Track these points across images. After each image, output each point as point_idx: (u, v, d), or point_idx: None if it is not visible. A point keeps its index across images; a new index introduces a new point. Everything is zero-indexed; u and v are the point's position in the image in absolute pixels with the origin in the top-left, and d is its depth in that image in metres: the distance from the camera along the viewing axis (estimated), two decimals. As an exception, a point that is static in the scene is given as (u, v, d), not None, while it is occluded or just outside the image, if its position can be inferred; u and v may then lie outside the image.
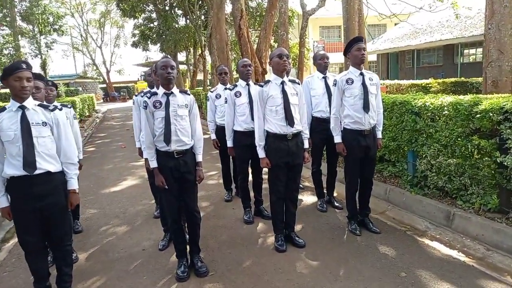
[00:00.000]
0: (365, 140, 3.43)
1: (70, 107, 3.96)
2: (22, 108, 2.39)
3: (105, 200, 5.24)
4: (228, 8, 13.63)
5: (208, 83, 22.35)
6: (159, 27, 23.59)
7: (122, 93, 37.55)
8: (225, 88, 4.59)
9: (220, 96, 4.66)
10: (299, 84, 3.31)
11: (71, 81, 36.39)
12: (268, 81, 3.24)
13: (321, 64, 4.16)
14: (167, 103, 2.80)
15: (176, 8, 23.12)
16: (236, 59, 21.65)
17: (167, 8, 23.15)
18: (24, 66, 2.35)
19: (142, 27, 24.87)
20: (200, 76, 26.77)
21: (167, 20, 21.82)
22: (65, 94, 28.19)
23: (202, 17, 21.25)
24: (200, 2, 20.32)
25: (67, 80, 36.04)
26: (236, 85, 3.99)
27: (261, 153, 3.26)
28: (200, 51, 22.35)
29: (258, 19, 17.62)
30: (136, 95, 4.09)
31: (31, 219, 2.43)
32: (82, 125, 15.40)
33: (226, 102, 4.03)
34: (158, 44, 24.02)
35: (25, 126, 2.36)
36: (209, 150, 4.98)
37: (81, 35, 37.23)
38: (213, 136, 4.81)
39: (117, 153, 9.12)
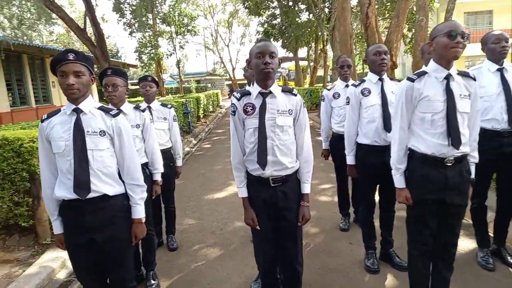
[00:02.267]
0: None
1: (170, 108, 3.52)
2: (77, 111, 1.86)
3: (206, 208, 4.78)
4: (355, -4, 12.30)
5: (329, 79, 21.21)
6: (282, 23, 23.56)
7: (244, 90, 38.91)
8: (347, 85, 3.57)
9: (339, 96, 3.66)
10: (474, 80, 2.10)
11: (202, 78, 39.53)
12: (411, 78, 2.08)
13: (495, 49, 2.73)
14: (263, 107, 1.97)
15: (300, 3, 22.65)
16: (361, 53, 19.99)
17: (290, 3, 22.83)
18: (70, 56, 1.77)
19: (266, 24, 25.24)
20: (320, 72, 25.77)
21: (290, 15, 21.48)
22: (195, 90, 30.61)
23: (326, 10, 20.19)
24: (324, -6, 19.31)
25: (198, 77, 39.28)
26: (363, 80, 2.90)
27: (399, 181, 2.18)
28: (321, 46, 21.33)
29: (388, 5, 15.65)
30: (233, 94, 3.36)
31: (84, 255, 1.90)
32: (205, 120, 16.10)
33: (347, 103, 3.01)
34: (280, 41, 24.02)
35: (79, 135, 1.82)
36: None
37: (212, 35, 40.04)
38: (325, 145, 3.85)
39: (229, 152, 8.86)
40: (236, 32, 64.65)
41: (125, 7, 20.66)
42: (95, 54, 10.47)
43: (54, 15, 12.03)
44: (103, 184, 1.86)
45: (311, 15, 21.29)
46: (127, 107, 2.74)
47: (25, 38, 15.16)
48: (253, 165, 2.02)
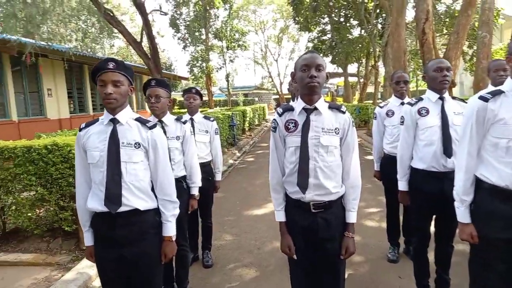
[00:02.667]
0: None
1: (212, 121, 3.47)
2: (114, 122, 1.80)
3: (245, 224, 4.64)
4: (410, 13, 11.80)
5: (379, 96, 20.47)
6: (332, 39, 23.31)
7: (291, 104, 38.82)
8: (402, 103, 3.30)
9: (393, 113, 3.38)
10: None
11: (249, 92, 40.06)
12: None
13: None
14: (306, 124, 1.80)
15: (352, 19, 22.34)
16: (415, 70, 19.12)
17: (341, 19, 22.57)
18: (110, 65, 1.73)
19: (315, 40, 25.15)
20: (370, 89, 25.03)
21: (341, 31, 21.19)
22: (242, 103, 31.06)
23: (379, 26, 19.68)
24: (377, 10, 18.83)
25: (246, 91, 39.85)
26: (421, 99, 2.62)
27: (463, 215, 1.88)
28: (373, 62, 20.72)
29: (447, 21, 14.84)
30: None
31: (112, 269, 1.82)
32: (250, 133, 16.16)
33: (402, 123, 2.75)
34: (330, 57, 23.78)
35: (113, 147, 1.76)
36: (371, 174, 3.72)
37: (261, 50, 40.59)
38: (377, 166, 3.57)
39: (273, 166, 8.71)
40: (286, 47, 65.18)
41: (180, 23, 21.55)
42: (149, 66, 10.92)
43: (115, 30, 12.82)
44: (135, 198, 1.78)
45: (363, 31, 20.84)
46: (168, 118, 2.72)
47: (88, 50, 16.30)
48: (293, 188, 1.85)
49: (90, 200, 1.81)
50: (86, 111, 12.86)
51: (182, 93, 3.50)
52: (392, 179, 2.96)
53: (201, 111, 3.58)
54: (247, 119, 16.12)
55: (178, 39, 22.07)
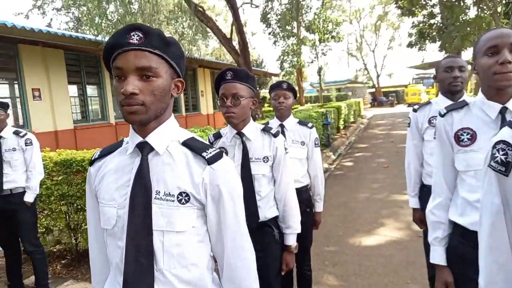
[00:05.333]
0: None
1: (311, 127, 2.50)
2: (142, 149, 0.98)
3: (352, 261, 3.55)
4: None
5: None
6: (442, 22, 20.39)
7: (390, 98, 35.84)
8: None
9: None
10: None
11: (342, 86, 37.89)
12: None
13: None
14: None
15: (466, -3, 19.16)
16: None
17: (453, -1, 19.50)
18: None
19: (421, 25, 22.45)
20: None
21: (454, 10, 18.19)
22: (335, 99, 29.35)
23: (503, 2, 16.44)
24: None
25: (338, 85, 37.80)
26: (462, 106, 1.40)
27: None
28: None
29: None
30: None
31: None
32: (345, 132, 14.74)
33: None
34: (438, 42, 20.93)
35: (140, 199, 0.95)
36: None
37: (356, 40, 38.08)
38: (414, 202, 2.36)
39: (377, 174, 7.36)
40: (383, 36, 60.49)
41: (271, 17, 20.96)
42: (238, 62, 10.41)
43: (209, 30, 12.68)
44: None
45: (479, 10, 17.62)
46: (251, 129, 1.80)
47: (186, 52, 16.70)
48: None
49: None
50: (179, 111, 12.96)
51: (269, 90, 2.55)
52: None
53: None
54: (342, 116, 14.71)
55: (269, 34, 21.53)
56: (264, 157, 1.77)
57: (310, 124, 2.50)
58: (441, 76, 2.11)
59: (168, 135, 1.00)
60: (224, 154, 1.01)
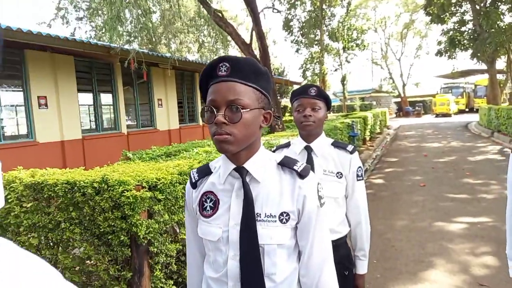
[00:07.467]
0: None
1: (352, 151, 1.76)
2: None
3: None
4: None
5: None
6: (475, 29, 19.21)
7: (417, 108, 34.39)
8: None
9: None
10: None
11: (367, 96, 36.70)
12: None
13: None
14: None
15: (502, 3, 17.97)
16: None
17: (487, 4, 18.34)
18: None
19: (451, 32, 21.34)
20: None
21: (490, 16, 17.01)
22: (359, 108, 28.26)
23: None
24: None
25: (362, 94, 36.64)
26: None
27: None
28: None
29: None
30: None
31: None
32: (371, 143, 13.78)
33: None
34: (470, 50, 19.79)
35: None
36: None
37: (381, 49, 36.93)
38: None
39: (414, 195, 6.43)
40: (409, 44, 58.79)
41: (294, 24, 20.32)
42: (258, 69, 9.75)
43: (229, 37, 12.14)
44: None
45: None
46: (261, 162, 1.06)
47: (204, 59, 16.23)
48: None
49: None
50: (195, 121, 12.40)
51: (290, 97, 1.82)
52: None
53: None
54: (368, 126, 13.78)
55: (291, 42, 20.86)
56: (281, 214, 1.01)
57: (350, 147, 1.74)
58: None
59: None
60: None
